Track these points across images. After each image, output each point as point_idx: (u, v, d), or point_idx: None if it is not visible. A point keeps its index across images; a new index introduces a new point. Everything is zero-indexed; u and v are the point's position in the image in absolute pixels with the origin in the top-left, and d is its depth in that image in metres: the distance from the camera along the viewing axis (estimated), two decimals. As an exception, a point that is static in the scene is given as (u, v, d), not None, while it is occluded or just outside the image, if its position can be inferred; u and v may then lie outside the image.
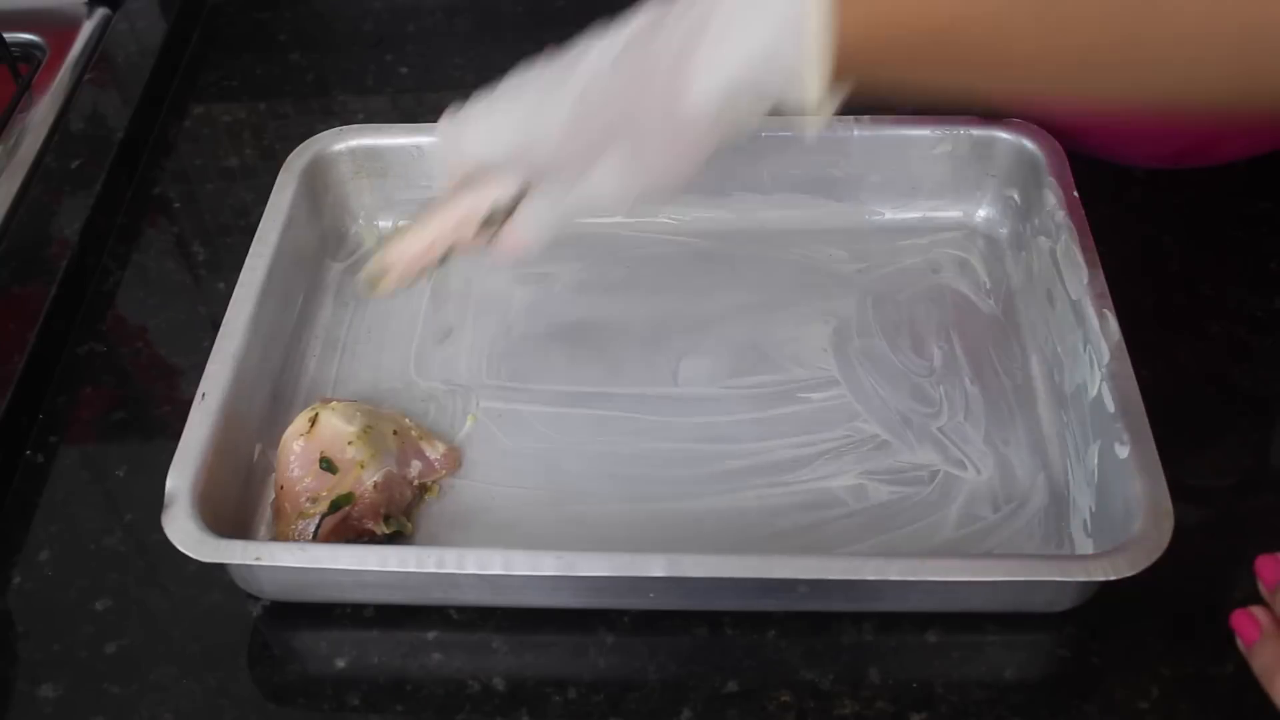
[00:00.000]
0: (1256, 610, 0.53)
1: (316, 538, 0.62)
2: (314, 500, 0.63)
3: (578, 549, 0.59)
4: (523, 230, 0.61)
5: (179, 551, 0.58)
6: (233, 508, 0.64)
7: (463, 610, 0.63)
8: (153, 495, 0.60)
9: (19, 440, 0.71)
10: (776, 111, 0.53)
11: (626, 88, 0.54)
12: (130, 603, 0.64)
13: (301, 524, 0.63)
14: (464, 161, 0.60)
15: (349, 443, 0.64)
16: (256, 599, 0.64)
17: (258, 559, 0.59)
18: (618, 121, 0.55)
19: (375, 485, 0.64)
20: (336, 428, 0.65)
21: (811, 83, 0.50)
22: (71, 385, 0.75)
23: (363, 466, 0.64)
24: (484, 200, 0.60)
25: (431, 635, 0.62)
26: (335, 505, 0.63)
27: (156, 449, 0.67)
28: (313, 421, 0.65)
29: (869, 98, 0.51)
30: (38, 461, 0.71)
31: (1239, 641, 0.53)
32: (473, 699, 0.60)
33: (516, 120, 0.58)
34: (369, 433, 0.65)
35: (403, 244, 0.63)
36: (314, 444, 0.65)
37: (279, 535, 0.64)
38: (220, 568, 0.61)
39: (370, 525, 0.64)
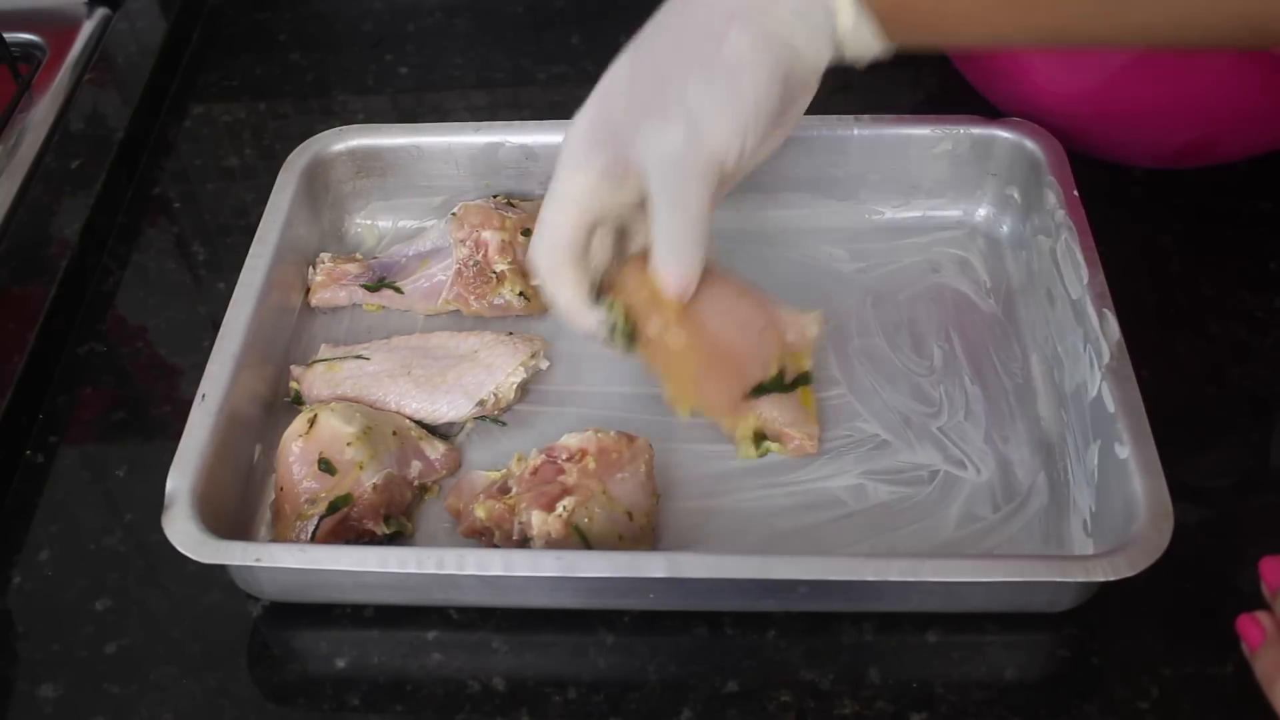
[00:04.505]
0: (1261, 615, 0.53)
1: (315, 539, 0.62)
2: (313, 501, 0.63)
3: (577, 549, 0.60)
4: (663, 253, 0.61)
5: (179, 552, 0.58)
6: (233, 509, 0.64)
7: (463, 610, 0.63)
8: (153, 495, 0.60)
9: (19, 440, 0.71)
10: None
11: (671, 43, 0.58)
12: (130, 603, 0.64)
13: (300, 525, 0.63)
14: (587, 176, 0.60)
15: (348, 443, 0.64)
16: (256, 599, 0.64)
17: (258, 560, 0.59)
18: (670, 73, 0.57)
19: (375, 486, 0.64)
20: (335, 428, 0.65)
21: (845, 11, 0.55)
22: (71, 385, 0.75)
23: (361, 467, 0.64)
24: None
25: (431, 635, 0.62)
26: (334, 506, 0.63)
27: (156, 449, 0.67)
28: (311, 422, 0.65)
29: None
30: (38, 461, 0.71)
31: (1243, 646, 0.53)
32: (473, 699, 0.60)
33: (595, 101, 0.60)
34: (368, 433, 0.65)
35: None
36: (313, 444, 0.65)
37: (278, 536, 0.64)
38: (220, 568, 0.61)
39: (370, 525, 0.64)
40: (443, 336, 0.74)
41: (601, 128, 0.59)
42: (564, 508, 0.60)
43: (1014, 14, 0.55)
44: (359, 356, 0.72)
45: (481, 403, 0.69)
